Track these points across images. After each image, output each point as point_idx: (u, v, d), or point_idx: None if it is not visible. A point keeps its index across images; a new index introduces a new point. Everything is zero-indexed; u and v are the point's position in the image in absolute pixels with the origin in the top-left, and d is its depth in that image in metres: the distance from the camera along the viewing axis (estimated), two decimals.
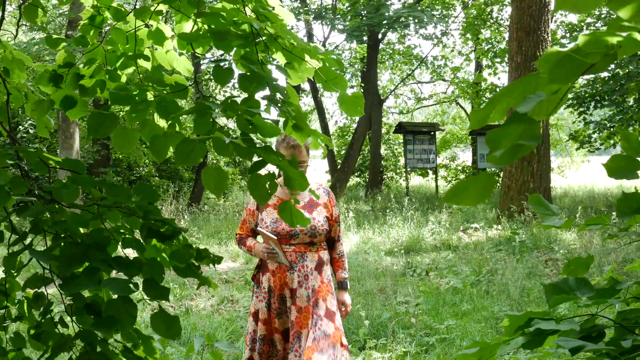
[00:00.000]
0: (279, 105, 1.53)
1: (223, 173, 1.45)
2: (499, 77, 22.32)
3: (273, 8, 1.74)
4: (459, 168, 21.76)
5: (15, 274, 1.56)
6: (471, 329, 5.15)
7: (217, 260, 1.59)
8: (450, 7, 20.39)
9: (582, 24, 17.45)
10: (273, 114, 3.09)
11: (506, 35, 18.27)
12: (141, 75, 1.90)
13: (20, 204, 1.51)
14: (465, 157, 24.72)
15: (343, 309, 3.40)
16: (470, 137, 21.92)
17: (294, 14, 12.06)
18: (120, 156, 15.86)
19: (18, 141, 1.80)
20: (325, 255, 3.36)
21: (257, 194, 1.46)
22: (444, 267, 7.81)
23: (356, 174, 22.04)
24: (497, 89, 19.03)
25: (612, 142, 16.21)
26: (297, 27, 18.76)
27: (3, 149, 1.60)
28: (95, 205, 1.52)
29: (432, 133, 18.85)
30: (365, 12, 17.03)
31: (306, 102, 23.31)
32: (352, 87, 19.04)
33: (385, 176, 21.54)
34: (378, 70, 20.81)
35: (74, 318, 1.51)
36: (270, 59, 1.70)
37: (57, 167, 1.56)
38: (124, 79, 1.98)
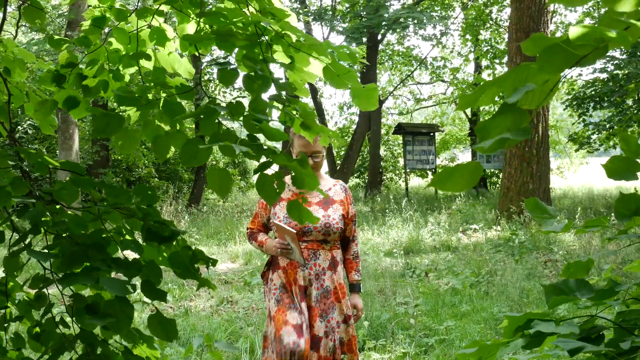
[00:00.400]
0: (286, 104, 1.53)
1: (228, 174, 1.45)
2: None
3: None
4: None
5: (16, 274, 1.56)
6: (470, 330, 5.15)
7: (212, 262, 1.60)
8: (449, 8, 20.41)
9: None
10: (274, 115, 3.09)
11: (505, 36, 18.29)
12: (142, 77, 1.91)
13: (20, 205, 1.51)
14: (464, 158, 24.76)
15: (355, 313, 3.25)
16: (469, 138, 21.94)
17: None
18: (120, 157, 15.87)
19: (18, 142, 1.81)
20: (338, 255, 3.22)
21: (265, 194, 1.45)
22: (443, 268, 7.81)
23: (355, 175, 22.07)
24: None
25: (611, 143, 16.24)
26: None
27: (3, 149, 1.61)
28: (95, 206, 1.52)
29: (432, 134, 18.86)
30: (364, 13, 17.05)
31: (306, 103, 23.31)
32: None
33: (384, 177, 21.55)
34: (377, 71, 20.83)
35: (74, 319, 1.51)
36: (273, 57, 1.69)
37: (59, 167, 1.57)
38: (126, 79, 1.98)
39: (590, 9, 17.28)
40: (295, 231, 2.98)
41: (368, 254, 8.98)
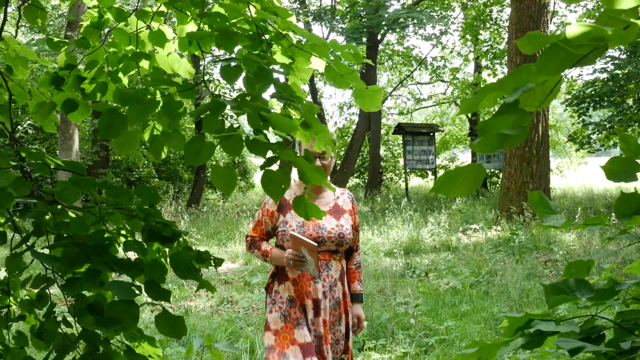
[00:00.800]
0: (289, 102, 1.52)
1: (232, 171, 1.44)
2: (499, 78, 22.33)
3: None
4: None
5: (18, 274, 1.57)
6: (470, 330, 5.16)
7: (218, 262, 1.59)
8: (449, 8, 20.41)
9: None
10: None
11: (505, 36, 18.29)
12: (141, 78, 1.90)
13: (20, 206, 1.52)
14: (464, 158, 24.75)
15: (357, 325, 3.12)
16: (469, 138, 21.93)
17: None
18: (120, 157, 15.87)
19: (19, 142, 1.81)
20: (345, 265, 3.08)
21: (271, 190, 1.42)
22: (444, 268, 7.82)
23: (355, 175, 22.06)
24: None
25: (611, 142, 16.24)
26: None
27: (4, 149, 1.61)
28: (97, 207, 1.52)
29: (432, 134, 18.86)
30: (364, 13, 17.05)
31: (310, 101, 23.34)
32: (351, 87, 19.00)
33: (384, 177, 21.54)
34: (377, 72, 20.83)
35: (76, 318, 1.52)
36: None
37: (61, 166, 1.57)
38: (125, 80, 1.97)
39: (591, 9, 17.29)
40: (316, 244, 2.74)
41: (368, 254, 8.98)
